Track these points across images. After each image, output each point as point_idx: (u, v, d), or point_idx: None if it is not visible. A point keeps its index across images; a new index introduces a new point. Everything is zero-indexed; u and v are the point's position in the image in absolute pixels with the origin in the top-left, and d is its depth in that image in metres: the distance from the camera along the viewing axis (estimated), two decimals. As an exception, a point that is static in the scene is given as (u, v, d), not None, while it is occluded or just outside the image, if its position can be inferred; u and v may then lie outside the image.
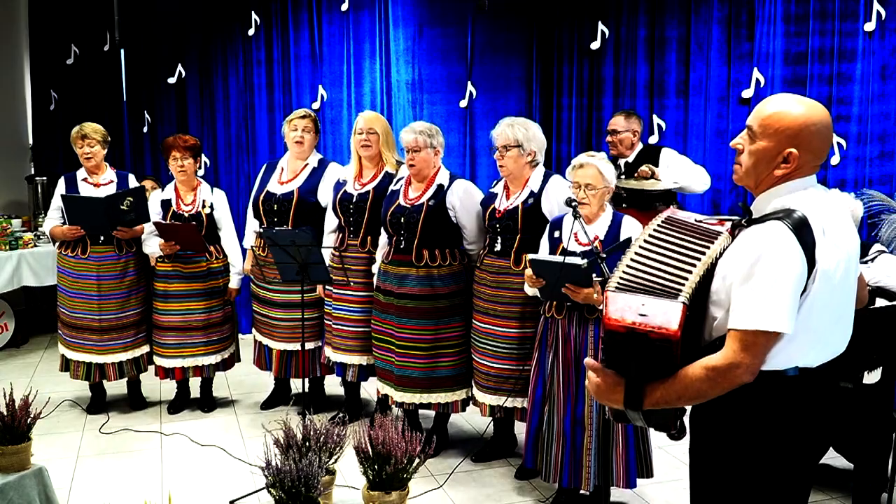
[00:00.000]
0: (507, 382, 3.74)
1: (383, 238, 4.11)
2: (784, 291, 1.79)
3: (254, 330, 4.72)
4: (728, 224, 1.99)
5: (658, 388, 1.86)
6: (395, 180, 4.13)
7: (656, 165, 4.51)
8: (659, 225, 2.02)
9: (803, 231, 1.82)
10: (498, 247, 3.74)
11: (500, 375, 3.76)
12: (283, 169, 4.55)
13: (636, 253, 1.96)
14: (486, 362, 3.80)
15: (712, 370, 1.81)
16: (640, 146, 4.69)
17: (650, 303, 1.83)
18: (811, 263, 1.82)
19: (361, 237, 4.24)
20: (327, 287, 4.31)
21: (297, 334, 4.46)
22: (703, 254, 1.91)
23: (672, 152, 4.63)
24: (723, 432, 1.98)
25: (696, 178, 4.48)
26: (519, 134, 3.66)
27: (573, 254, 3.29)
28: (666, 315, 1.80)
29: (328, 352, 4.39)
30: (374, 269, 4.15)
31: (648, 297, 1.84)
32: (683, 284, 1.86)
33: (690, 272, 1.88)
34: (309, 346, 4.49)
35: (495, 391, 3.79)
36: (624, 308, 1.83)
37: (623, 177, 4.56)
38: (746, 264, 1.83)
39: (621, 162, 4.65)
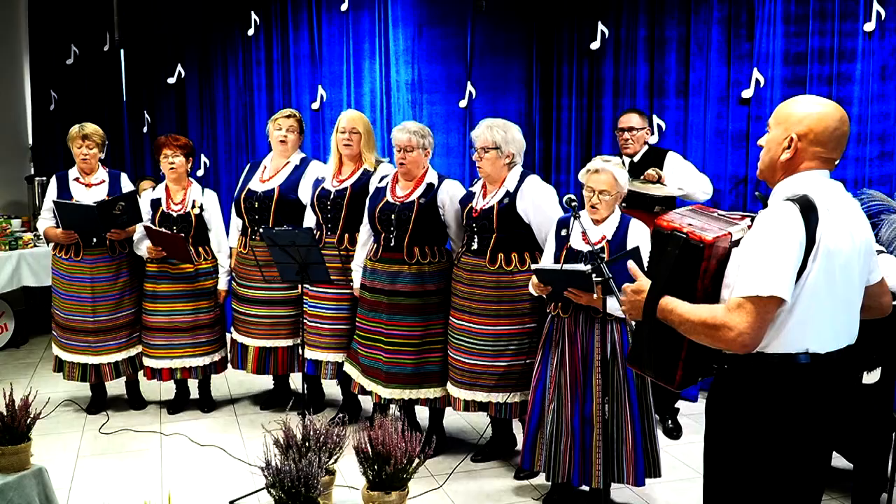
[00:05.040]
0: (482, 378, 3.76)
1: (363, 235, 4.13)
2: (779, 259, 1.88)
3: (232, 329, 4.73)
4: (748, 220, 2.10)
5: (671, 303, 2.02)
6: (379, 178, 4.15)
7: (661, 168, 4.48)
8: (688, 209, 2.19)
9: (808, 210, 1.92)
10: (475, 245, 3.77)
11: (474, 371, 3.78)
12: (265, 167, 4.59)
13: (685, 210, 2.19)
14: (461, 358, 3.82)
15: (711, 319, 1.93)
16: (646, 146, 4.68)
17: (699, 220, 2.08)
18: (811, 240, 1.91)
19: (339, 235, 4.26)
20: (304, 285, 4.32)
21: (276, 332, 4.51)
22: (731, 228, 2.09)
23: (678, 157, 4.60)
24: (738, 419, 2.03)
25: (699, 187, 4.46)
26: (497, 136, 3.69)
27: (578, 253, 3.31)
28: (708, 228, 2.03)
29: (304, 349, 4.39)
30: (354, 265, 4.16)
31: (700, 218, 2.10)
32: (732, 226, 2.06)
33: (731, 226, 2.07)
34: (288, 342, 4.52)
35: (470, 387, 3.80)
36: (677, 218, 2.11)
37: (629, 177, 4.52)
38: (752, 240, 1.94)
39: (626, 160, 4.62)
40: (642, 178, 4.41)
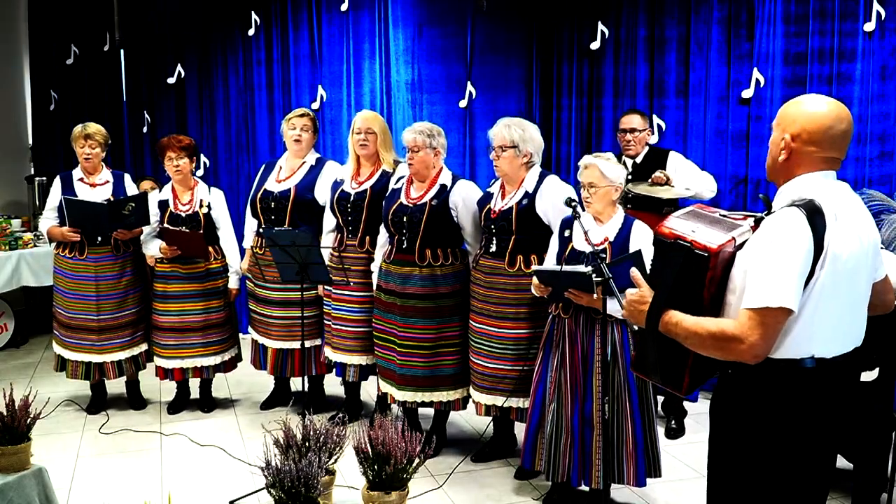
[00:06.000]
0: (503, 382, 3.74)
1: (382, 237, 4.12)
2: (787, 269, 1.86)
3: (250, 329, 4.73)
4: (751, 220, 2.07)
5: (675, 316, 1.99)
6: (395, 179, 4.14)
7: (664, 168, 4.47)
8: (688, 211, 2.14)
9: (815, 216, 1.89)
10: (493, 247, 3.74)
11: (495, 375, 3.76)
12: (280, 167, 4.58)
13: (686, 212, 2.14)
14: (481, 362, 3.80)
15: (720, 332, 1.91)
16: (647, 147, 4.67)
17: (702, 227, 2.02)
18: (819, 247, 1.89)
19: (360, 237, 4.25)
20: (327, 287, 4.32)
21: (293, 333, 4.48)
22: (734, 230, 2.05)
23: (680, 157, 4.59)
24: (743, 424, 2.02)
25: (704, 186, 4.46)
26: (515, 135, 3.66)
27: (581, 253, 3.31)
28: (712, 236, 1.97)
29: (328, 352, 4.40)
30: (374, 267, 4.16)
31: (703, 222, 2.04)
32: (735, 228, 2.01)
33: (734, 229, 2.02)
34: (306, 344, 4.50)
35: (491, 391, 3.79)
36: (678, 224, 2.04)
37: (631, 178, 4.49)
38: (759, 248, 1.92)
39: (628, 162, 4.60)
40: (650, 181, 4.39)
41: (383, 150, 4.27)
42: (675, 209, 4.23)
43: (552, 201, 3.63)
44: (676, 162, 4.54)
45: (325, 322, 4.42)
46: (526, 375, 3.69)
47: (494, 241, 3.74)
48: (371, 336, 4.19)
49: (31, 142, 7.00)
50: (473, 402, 3.92)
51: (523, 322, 3.70)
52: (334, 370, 4.44)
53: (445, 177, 3.96)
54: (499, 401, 3.77)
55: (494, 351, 3.75)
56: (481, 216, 3.82)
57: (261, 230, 4.44)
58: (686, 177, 4.47)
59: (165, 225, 4.50)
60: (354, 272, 4.21)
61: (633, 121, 4.63)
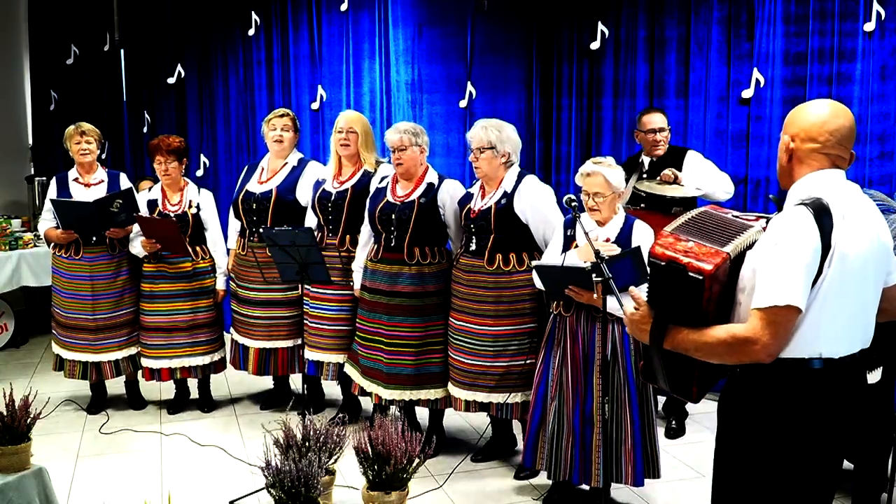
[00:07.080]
0: (482, 378, 3.77)
1: (364, 236, 4.13)
2: (794, 268, 1.86)
3: (232, 329, 4.73)
4: (763, 220, 2.07)
5: (681, 332, 1.99)
6: (380, 178, 4.16)
7: (681, 167, 4.36)
8: (695, 214, 2.13)
9: (822, 215, 1.90)
10: (473, 246, 3.78)
11: (474, 372, 3.78)
12: (263, 169, 4.59)
13: (687, 219, 2.10)
14: (461, 358, 3.82)
15: (732, 338, 1.91)
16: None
17: (697, 242, 1.98)
18: (826, 246, 1.89)
19: (340, 236, 4.26)
20: (306, 286, 4.33)
21: (274, 332, 4.52)
22: (739, 235, 2.03)
23: (698, 156, 4.48)
24: (750, 424, 2.02)
25: (719, 186, 4.32)
26: (492, 136, 3.70)
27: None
28: (706, 257, 1.94)
29: (305, 350, 4.40)
30: (355, 266, 4.17)
31: (698, 238, 2.00)
32: (731, 241, 1.98)
33: (732, 239, 2.01)
34: (288, 343, 4.53)
35: (470, 387, 3.81)
36: (672, 242, 2.00)
37: (646, 176, 4.43)
38: (767, 247, 1.92)
39: (646, 160, 4.50)
40: (658, 178, 4.32)
41: (364, 151, 4.30)
42: (685, 210, 4.19)
43: (530, 201, 3.68)
44: (693, 161, 4.42)
45: (304, 321, 4.43)
46: (507, 371, 3.73)
47: (474, 240, 3.77)
48: (347, 335, 4.22)
49: (31, 142, 7.01)
50: (452, 398, 3.93)
51: (502, 319, 3.72)
52: (308, 368, 4.41)
53: (432, 175, 4.00)
54: (479, 396, 3.80)
55: (474, 348, 3.77)
56: (461, 216, 3.85)
57: (260, 231, 4.44)
58: (702, 176, 4.33)
59: (138, 214, 4.47)
60: (337, 270, 4.20)
61: (658, 120, 4.47)
